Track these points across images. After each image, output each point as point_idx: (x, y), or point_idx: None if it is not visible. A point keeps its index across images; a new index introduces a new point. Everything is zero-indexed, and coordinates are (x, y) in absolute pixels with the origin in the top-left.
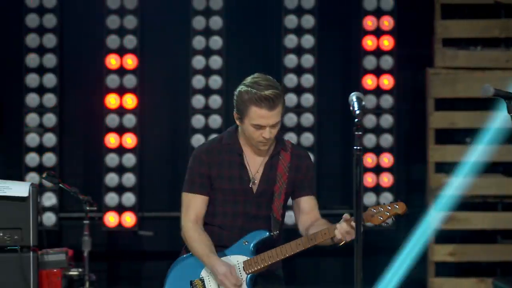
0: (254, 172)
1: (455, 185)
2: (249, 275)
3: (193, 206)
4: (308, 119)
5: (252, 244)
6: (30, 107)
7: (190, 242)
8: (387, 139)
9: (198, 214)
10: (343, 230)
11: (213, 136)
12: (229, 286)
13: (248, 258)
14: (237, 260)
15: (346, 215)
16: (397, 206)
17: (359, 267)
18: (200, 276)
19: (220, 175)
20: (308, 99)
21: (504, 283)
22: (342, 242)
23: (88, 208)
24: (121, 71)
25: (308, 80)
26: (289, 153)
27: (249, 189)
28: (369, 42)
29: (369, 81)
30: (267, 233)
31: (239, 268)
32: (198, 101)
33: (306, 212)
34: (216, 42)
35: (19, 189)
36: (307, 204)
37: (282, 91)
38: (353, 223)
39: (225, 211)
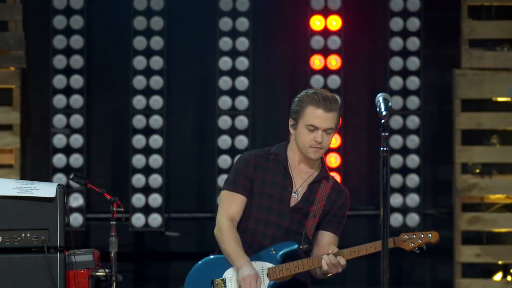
0: (296, 185)
1: (482, 186)
2: (271, 282)
3: (232, 205)
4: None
5: (279, 254)
6: (57, 108)
7: (223, 238)
8: (413, 140)
9: (235, 213)
10: (330, 262)
11: (240, 137)
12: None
13: (274, 265)
14: (262, 266)
15: (333, 249)
16: (430, 235)
17: (386, 269)
18: (223, 277)
19: (263, 179)
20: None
21: None
22: (329, 274)
23: (115, 208)
24: (148, 72)
25: (334, 81)
26: (331, 185)
27: (287, 199)
28: (395, 43)
29: (395, 82)
30: (296, 246)
31: (262, 274)
32: (224, 102)
33: (321, 246)
34: (243, 43)
35: (46, 189)
36: (327, 239)
37: (339, 103)
38: (340, 258)
39: (259, 217)
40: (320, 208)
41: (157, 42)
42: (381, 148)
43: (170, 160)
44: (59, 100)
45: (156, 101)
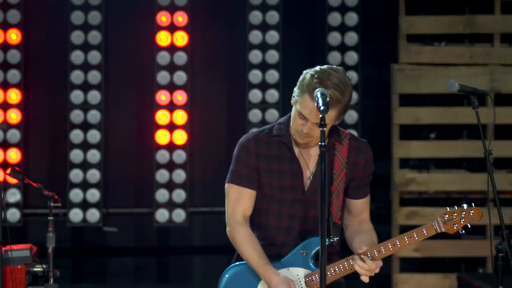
0: (308, 167)
1: (419, 181)
2: None
3: (241, 202)
4: (272, 114)
5: (311, 255)
6: None
7: (240, 245)
8: None
9: (246, 212)
10: (364, 270)
11: (178, 131)
12: None
13: (309, 271)
14: (297, 274)
15: (362, 250)
16: (472, 213)
17: (324, 264)
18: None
19: (268, 169)
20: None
21: (468, 278)
22: (367, 280)
23: (52, 204)
24: (86, 67)
25: (273, 76)
26: (347, 146)
27: (300, 186)
28: (334, 38)
29: None
30: (327, 240)
31: (300, 283)
32: (163, 96)
33: (354, 214)
34: (273, 36)
35: None
36: (360, 206)
37: (346, 96)
38: (371, 263)
39: (270, 209)
40: (342, 181)
41: (94, 37)
42: (320, 143)
43: (108, 155)
44: None
45: (94, 96)
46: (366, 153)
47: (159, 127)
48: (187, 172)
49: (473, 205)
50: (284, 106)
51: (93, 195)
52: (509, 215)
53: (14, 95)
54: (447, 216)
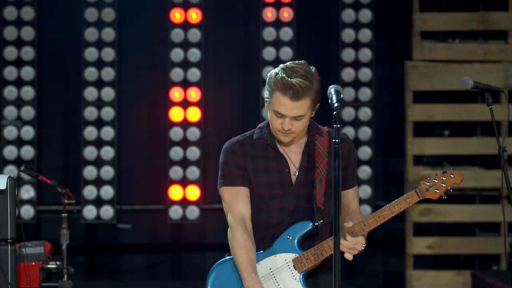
0: (293, 163)
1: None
2: (302, 274)
3: (238, 201)
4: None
5: (296, 239)
6: (8, 100)
7: (234, 249)
8: (365, 132)
9: (244, 210)
10: (348, 247)
11: (192, 129)
12: None
13: (296, 255)
14: (284, 259)
15: (347, 228)
16: (453, 176)
17: (338, 260)
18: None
19: (255, 168)
20: None
21: (482, 275)
22: (350, 258)
23: (66, 201)
24: (100, 64)
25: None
26: (327, 137)
27: (287, 181)
28: (347, 35)
29: (347, 74)
30: (311, 224)
31: (289, 268)
32: (176, 93)
33: (344, 206)
34: (195, 35)
35: None
36: (348, 196)
37: (315, 84)
38: (353, 239)
39: (260, 208)
40: (324, 169)
41: (108, 34)
42: (333, 140)
43: (122, 152)
44: (10, 92)
45: (108, 93)
46: (347, 142)
47: (173, 124)
48: (201, 169)
49: (452, 169)
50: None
51: (107, 192)
52: None
53: (28, 92)
54: (428, 182)
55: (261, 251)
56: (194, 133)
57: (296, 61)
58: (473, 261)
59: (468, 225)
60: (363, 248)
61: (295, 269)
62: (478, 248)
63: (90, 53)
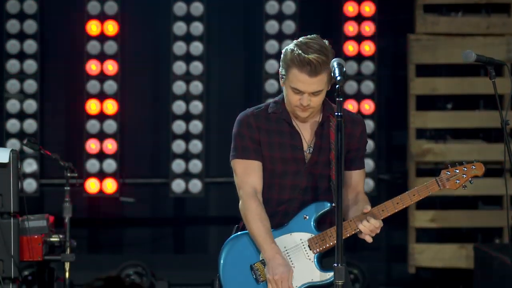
0: (306, 141)
1: (436, 151)
2: (316, 254)
3: (251, 174)
4: None
5: (313, 219)
6: (10, 74)
7: (250, 222)
8: (368, 105)
9: (256, 184)
10: (368, 229)
11: (195, 102)
12: (277, 285)
13: (312, 235)
14: (300, 238)
15: (366, 208)
16: (474, 167)
17: (340, 234)
18: (261, 259)
19: (269, 142)
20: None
21: (485, 248)
22: (371, 240)
23: (69, 174)
24: (102, 38)
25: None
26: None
27: (301, 158)
28: (350, 8)
29: (350, 48)
30: (329, 205)
31: (304, 248)
32: (179, 67)
33: (350, 186)
34: (197, 8)
35: None
36: (355, 177)
37: (330, 58)
38: (374, 221)
39: (272, 183)
40: None
41: (111, 7)
42: (336, 113)
43: (124, 126)
44: (13, 65)
45: (111, 66)
46: (361, 124)
47: (176, 97)
48: (203, 142)
49: (474, 161)
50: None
51: (110, 165)
52: None
53: (30, 66)
54: (449, 172)
55: (275, 229)
56: (196, 107)
57: (309, 36)
58: (475, 234)
59: (471, 198)
60: (379, 230)
61: (310, 249)
62: (481, 221)
63: (93, 27)
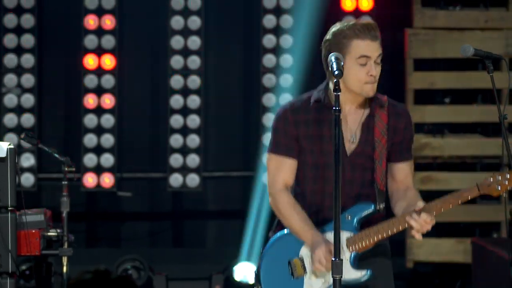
0: (350, 131)
1: (434, 146)
2: (352, 253)
3: (282, 170)
4: (287, 79)
5: (355, 219)
6: (8, 68)
7: (284, 215)
8: None
9: (287, 180)
10: (420, 225)
11: (193, 97)
12: (323, 263)
13: (352, 234)
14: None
15: (419, 204)
16: None
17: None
18: (299, 255)
19: (309, 134)
20: (287, 60)
21: (482, 243)
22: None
23: (66, 168)
24: (100, 32)
25: (287, 41)
26: (386, 111)
27: (342, 149)
28: (348, 3)
29: None
30: (372, 207)
31: (341, 246)
32: (177, 61)
33: (399, 180)
34: (195, 2)
35: None
36: (403, 170)
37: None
38: (426, 216)
39: (316, 176)
40: (384, 148)
41: (108, 2)
42: (334, 108)
43: (122, 120)
44: (10, 60)
45: (108, 60)
46: (405, 116)
47: (173, 91)
48: (201, 136)
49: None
50: (297, 72)
51: (107, 160)
52: None
53: (28, 60)
54: (492, 179)
55: (320, 227)
56: (194, 101)
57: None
58: (473, 229)
59: None
60: (430, 227)
61: (347, 248)
62: (479, 216)
63: (91, 21)
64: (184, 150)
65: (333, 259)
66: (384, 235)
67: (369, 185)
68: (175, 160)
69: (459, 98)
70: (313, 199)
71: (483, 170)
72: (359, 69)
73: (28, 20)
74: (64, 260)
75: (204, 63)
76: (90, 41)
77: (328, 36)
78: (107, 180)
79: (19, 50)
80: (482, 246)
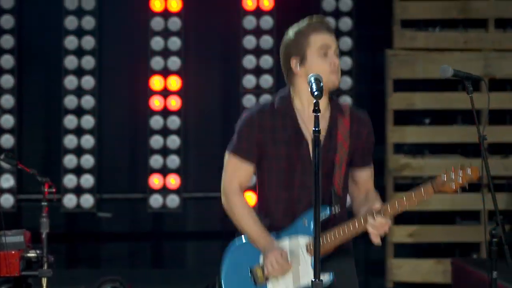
0: (311, 135)
1: (413, 166)
2: (313, 257)
3: (238, 173)
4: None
5: (312, 224)
6: None
7: (238, 216)
8: None
9: (242, 182)
10: (378, 225)
11: (172, 117)
12: (276, 269)
13: (310, 238)
14: (298, 242)
15: (376, 207)
16: (469, 171)
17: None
18: (260, 263)
19: (274, 140)
20: (267, 81)
21: (462, 263)
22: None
23: (46, 189)
24: (80, 52)
25: (267, 61)
26: (348, 117)
27: (307, 155)
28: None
29: None
30: (328, 211)
31: (301, 251)
32: (157, 82)
33: (360, 183)
34: (267, 22)
35: None
36: (364, 174)
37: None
38: (383, 218)
39: (280, 183)
40: (345, 153)
41: (88, 22)
42: (313, 128)
43: (102, 141)
44: None
45: (88, 81)
46: (367, 124)
47: (153, 112)
48: (181, 157)
49: (471, 164)
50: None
51: (87, 180)
52: (503, 201)
53: (8, 81)
54: (445, 176)
55: (276, 232)
56: (174, 122)
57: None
58: (453, 249)
59: (449, 213)
60: (387, 229)
61: (307, 252)
62: (459, 236)
63: (70, 42)
64: (164, 171)
65: (313, 280)
66: (344, 238)
67: (327, 190)
68: (155, 181)
69: (439, 119)
70: (275, 205)
71: (463, 191)
72: (322, 60)
73: (7, 41)
74: (44, 281)
75: (185, 83)
76: (70, 61)
77: (286, 37)
78: (87, 201)
79: None
80: (462, 267)
